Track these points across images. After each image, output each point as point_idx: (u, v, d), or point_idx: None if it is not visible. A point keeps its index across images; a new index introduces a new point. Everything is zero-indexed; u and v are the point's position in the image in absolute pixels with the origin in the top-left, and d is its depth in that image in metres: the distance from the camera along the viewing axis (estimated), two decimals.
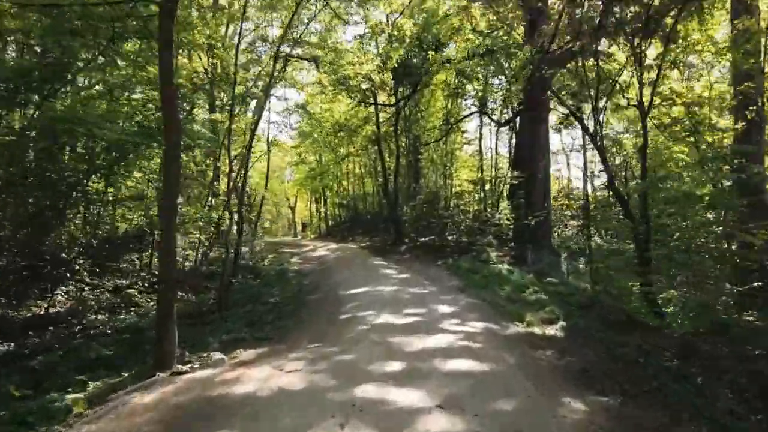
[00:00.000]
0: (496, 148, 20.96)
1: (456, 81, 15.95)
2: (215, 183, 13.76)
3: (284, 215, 54.82)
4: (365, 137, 19.53)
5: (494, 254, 13.18)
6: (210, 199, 12.74)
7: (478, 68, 15.46)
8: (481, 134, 20.08)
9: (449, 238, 16.83)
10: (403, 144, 19.60)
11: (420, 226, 18.57)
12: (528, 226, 12.88)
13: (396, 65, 14.53)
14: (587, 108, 16.42)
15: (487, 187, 18.04)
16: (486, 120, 19.47)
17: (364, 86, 14.95)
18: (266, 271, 11.73)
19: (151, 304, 8.11)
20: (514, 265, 11.83)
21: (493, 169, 20.08)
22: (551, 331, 6.33)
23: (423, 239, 17.21)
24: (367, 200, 26.99)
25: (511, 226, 14.99)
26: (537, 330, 6.27)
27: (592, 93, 9.75)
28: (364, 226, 24.12)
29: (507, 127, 17.67)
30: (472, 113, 16.35)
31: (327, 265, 13.06)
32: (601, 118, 10.54)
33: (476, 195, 17.23)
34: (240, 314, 7.70)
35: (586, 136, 12.41)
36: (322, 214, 31.94)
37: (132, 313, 8.04)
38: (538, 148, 13.34)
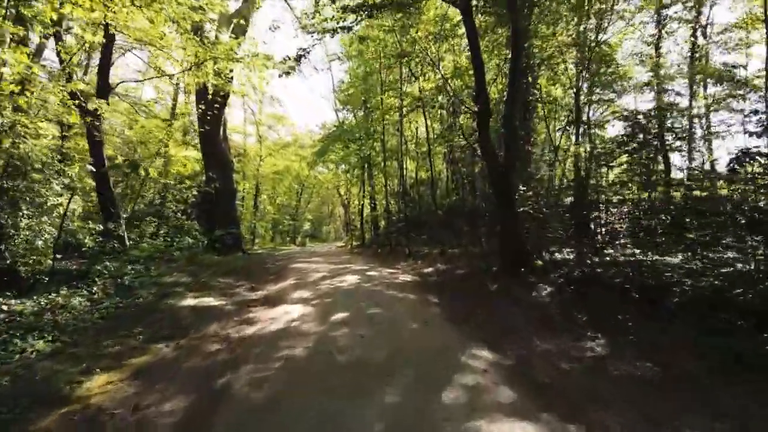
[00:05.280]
0: None
1: None
2: None
3: (337, 215, 45.55)
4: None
5: None
6: None
7: None
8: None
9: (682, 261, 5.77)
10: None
11: (565, 235, 7.70)
12: None
13: None
14: None
15: None
16: None
17: None
18: None
19: None
20: None
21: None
22: None
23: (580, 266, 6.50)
24: (437, 186, 16.13)
25: None
26: None
27: None
28: (432, 231, 13.49)
29: None
30: None
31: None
32: None
33: None
34: None
35: None
36: (363, 210, 21.46)
37: None
38: None
